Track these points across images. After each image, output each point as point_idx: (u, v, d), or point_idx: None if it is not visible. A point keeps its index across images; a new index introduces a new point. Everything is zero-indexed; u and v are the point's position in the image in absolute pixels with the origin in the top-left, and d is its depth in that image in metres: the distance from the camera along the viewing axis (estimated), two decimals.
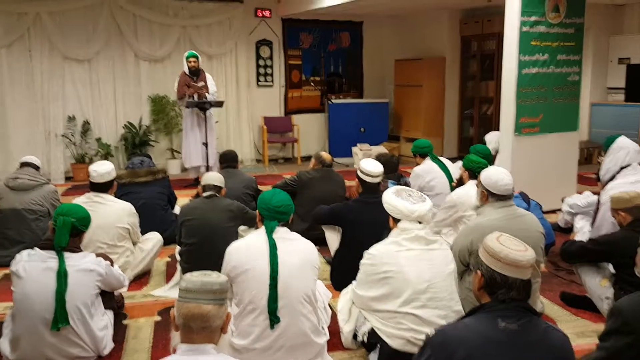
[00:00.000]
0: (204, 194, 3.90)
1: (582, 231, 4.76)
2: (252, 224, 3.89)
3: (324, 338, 2.90)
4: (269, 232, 2.79)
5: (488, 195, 3.28)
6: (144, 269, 4.30)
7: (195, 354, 1.79)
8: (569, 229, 5.19)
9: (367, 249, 2.92)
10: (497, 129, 5.98)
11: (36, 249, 2.97)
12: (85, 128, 8.32)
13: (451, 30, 9.48)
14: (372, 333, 2.84)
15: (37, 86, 8.02)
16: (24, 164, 4.92)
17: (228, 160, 5.30)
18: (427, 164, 5.14)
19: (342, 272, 3.65)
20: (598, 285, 3.51)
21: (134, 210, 4.22)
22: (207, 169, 7.19)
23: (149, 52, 8.60)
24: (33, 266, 2.89)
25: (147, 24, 8.54)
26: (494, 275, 1.94)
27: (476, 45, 9.33)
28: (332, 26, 10.04)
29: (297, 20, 9.72)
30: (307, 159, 9.29)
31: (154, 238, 4.39)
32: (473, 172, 3.99)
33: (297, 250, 2.82)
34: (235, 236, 3.69)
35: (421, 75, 9.52)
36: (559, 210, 5.43)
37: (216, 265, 2.72)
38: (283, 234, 2.83)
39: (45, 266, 2.88)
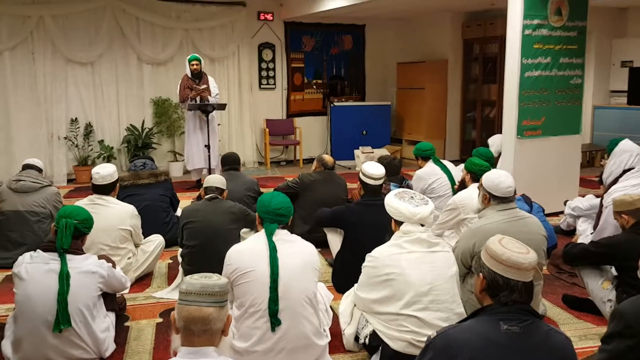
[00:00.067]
0: (206, 197, 3.90)
1: (585, 234, 4.76)
2: (254, 227, 3.87)
3: (325, 340, 2.89)
4: (269, 235, 2.79)
5: (490, 198, 3.27)
6: (146, 271, 4.30)
7: (196, 357, 1.78)
8: (571, 232, 5.19)
9: (369, 251, 2.92)
10: (500, 131, 5.98)
11: (38, 251, 2.98)
12: (88, 130, 8.34)
13: (454, 33, 9.47)
14: (374, 335, 2.84)
15: (40, 89, 8.03)
16: (27, 166, 4.93)
17: (230, 163, 5.29)
18: (430, 167, 5.15)
19: (344, 275, 3.65)
20: (600, 288, 3.50)
21: (136, 213, 4.22)
22: (209, 171, 7.19)
23: (152, 55, 8.62)
24: (35, 268, 2.89)
25: (150, 27, 8.56)
26: (496, 277, 1.94)
27: (479, 48, 9.33)
28: (334, 29, 10.05)
29: (299, 24, 9.73)
30: (309, 161, 9.30)
31: (156, 240, 4.39)
32: (475, 175, 3.98)
33: (297, 252, 2.82)
34: (237, 238, 3.69)
35: (423, 78, 9.50)
36: (561, 213, 5.43)
37: (218, 268, 2.72)
38: (283, 236, 2.83)
39: (48, 268, 2.88)
